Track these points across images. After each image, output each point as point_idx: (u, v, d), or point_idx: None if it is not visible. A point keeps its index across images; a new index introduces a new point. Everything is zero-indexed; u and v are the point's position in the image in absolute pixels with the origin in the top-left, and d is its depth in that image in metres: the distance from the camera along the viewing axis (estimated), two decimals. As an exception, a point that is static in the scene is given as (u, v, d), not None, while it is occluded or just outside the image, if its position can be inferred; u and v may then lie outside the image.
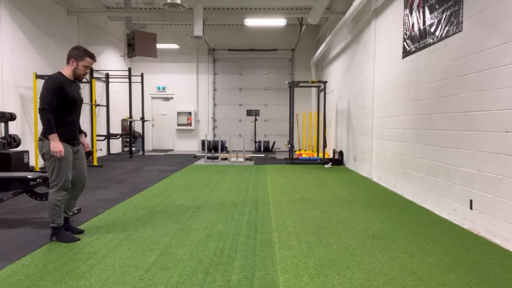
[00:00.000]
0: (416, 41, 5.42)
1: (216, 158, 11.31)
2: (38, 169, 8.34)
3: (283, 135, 15.21)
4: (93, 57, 3.64)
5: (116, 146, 13.87)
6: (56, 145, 3.36)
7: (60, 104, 3.44)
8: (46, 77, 3.49)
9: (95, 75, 11.86)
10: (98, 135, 11.37)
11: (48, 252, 3.22)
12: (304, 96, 15.01)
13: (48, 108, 3.35)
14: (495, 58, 3.63)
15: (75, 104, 3.57)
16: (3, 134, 7.29)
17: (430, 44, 4.99)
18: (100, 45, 12.51)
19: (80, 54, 3.56)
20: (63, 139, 3.46)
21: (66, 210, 3.65)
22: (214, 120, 15.70)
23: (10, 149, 6.91)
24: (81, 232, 3.72)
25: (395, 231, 3.89)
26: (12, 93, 8.05)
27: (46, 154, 3.43)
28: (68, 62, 3.59)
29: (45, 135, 3.42)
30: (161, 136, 15.70)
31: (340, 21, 8.82)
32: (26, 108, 8.49)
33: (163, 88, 15.46)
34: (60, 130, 3.45)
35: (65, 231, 3.58)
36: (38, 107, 3.39)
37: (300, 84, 10.87)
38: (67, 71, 3.57)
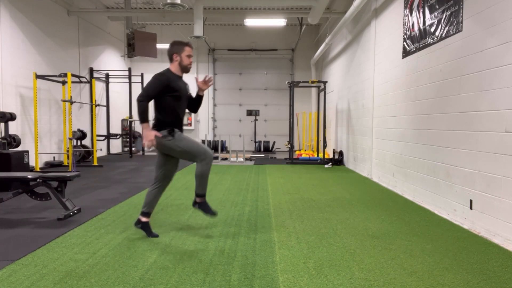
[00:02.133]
0: (416, 41, 5.42)
1: (216, 158, 11.31)
2: (38, 169, 8.34)
3: (283, 135, 15.22)
4: (190, 45, 3.71)
5: (116, 146, 13.88)
6: (148, 134, 3.42)
7: (169, 98, 3.52)
8: (154, 75, 3.61)
9: (95, 75, 11.87)
10: (98, 135, 11.37)
11: (48, 252, 3.22)
12: (304, 96, 15.02)
13: (144, 99, 3.41)
14: (495, 58, 3.63)
15: (182, 98, 3.66)
16: (3, 134, 7.29)
17: (430, 44, 5.00)
18: (100, 45, 12.51)
19: (179, 46, 3.63)
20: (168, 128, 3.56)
21: (149, 205, 3.69)
22: (214, 120, 15.70)
23: (10, 149, 6.91)
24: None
25: (395, 231, 3.89)
26: (12, 93, 8.05)
27: (176, 146, 3.50)
28: (171, 60, 3.65)
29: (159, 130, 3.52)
30: (161, 136, 15.68)
31: (340, 21, 8.82)
32: (26, 108, 8.49)
33: (163, 88, 15.44)
34: (169, 122, 3.54)
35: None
36: (140, 92, 3.49)
37: (300, 84, 10.87)
38: (174, 68, 3.66)
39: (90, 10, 11.08)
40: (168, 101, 3.56)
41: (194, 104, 3.93)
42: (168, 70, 3.66)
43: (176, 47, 3.65)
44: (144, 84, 13.50)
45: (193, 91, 3.91)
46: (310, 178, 7.68)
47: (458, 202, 4.25)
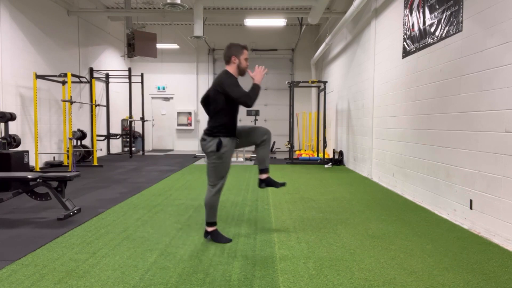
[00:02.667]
0: (416, 41, 5.42)
1: (216, 158, 11.29)
2: (38, 169, 8.35)
3: (283, 135, 15.22)
4: (247, 48, 3.66)
5: (116, 146, 13.87)
6: (258, 74, 3.44)
7: (230, 101, 3.46)
8: (221, 76, 3.48)
9: (95, 75, 11.88)
10: (98, 135, 11.37)
11: (48, 252, 3.22)
12: (304, 96, 15.02)
13: (245, 95, 3.38)
14: (495, 58, 3.63)
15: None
16: (3, 134, 7.29)
17: (430, 44, 4.99)
18: (100, 45, 12.51)
19: (238, 49, 3.56)
20: (228, 134, 3.49)
21: (261, 162, 3.66)
22: (214, 120, 15.68)
23: (10, 149, 6.91)
24: (283, 184, 3.69)
25: (395, 231, 3.89)
26: (12, 93, 8.05)
27: (212, 153, 3.44)
28: (229, 62, 3.55)
29: (219, 130, 3.45)
30: (161, 136, 15.70)
31: (340, 21, 8.82)
32: (26, 108, 8.49)
33: (163, 88, 15.46)
34: (227, 127, 3.48)
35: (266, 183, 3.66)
36: (237, 97, 3.38)
37: (300, 84, 10.86)
38: (232, 70, 3.56)
39: (90, 10, 11.08)
40: (230, 105, 3.50)
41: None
42: (228, 72, 3.55)
43: (235, 49, 3.56)
44: (142, 84, 13.49)
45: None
46: (310, 178, 7.68)
47: (458, 202, 4.25)
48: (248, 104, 3.39)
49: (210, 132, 3.48)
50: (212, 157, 3.45)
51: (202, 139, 3.53)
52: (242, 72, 3.60)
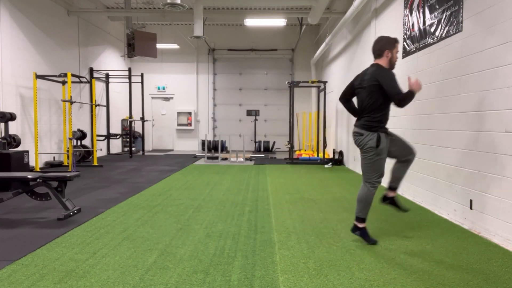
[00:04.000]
0: (416, 41, 5.42)
1: (216, 158, 11.32)
2: (38, 169, 8.34)
3: (283, 135, 15.22)
4: (398, 41, 3.61)
5: (116, 146, 13.88)
6: (416, 84, 3.30)
7: (387, 96, 3.39)
8: (379, 70, 3.41)
9: (95, 75, 11.88)
10: (98, 135, 11.37)
11: (48, 252, 3.22)
12: (304, 96, 15.02)
13: (402, 92, 3.31)
14: (495, 58, 3.63)
15: None
16: (3, 134, 7.29)
17: (430, 44, 4.99)
18: (100, 45, 12.52)
19: (391, 43, 3.50)
20: (385, 130, 3.45)
21: (395, 180, 3.62)
22: (214, 120, 15.70)
23: (10, 149, 6.91)
24: (407, 210, 3.65)
25: (395, 231, 3.89)
26: (12, 93, 8.05)
27: (371, 148, 3.39)
28: (381, 55, 3.50)
29: (370, 126, 3.40)
30: (161, 136, 15.71)
31: (340, 21, 8.82)
32: (26, 108, 8.49)
33: (163, 88, 15.47)
34: (384, 122, 3.45)
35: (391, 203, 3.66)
36: (394, 93, 3.29)
37: (300, 84, 10.87)
38: (384, 63, 3.50)
39: (90, 10, 11.08)
40: (388, 100, 3.44)
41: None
42: (384, 66, 3.46)
43: (389, 43, 3.50)
44: (142, 84, 13.49)
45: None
46: (310, 178, 7.68)
47: (458, 202, 4.25)
48: (400, 104, 3.30)
49: (368, 126, 3.42)
50: (370, 153, 3.40)
51: (358, 134, 3.46)
52: (393, 66, 3.53)
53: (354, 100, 3.76)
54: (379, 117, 3.43)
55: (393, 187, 3.64)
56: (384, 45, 3.50)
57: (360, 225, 3.53)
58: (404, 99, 3.28)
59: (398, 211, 3.61)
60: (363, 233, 3.52)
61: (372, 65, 3.53)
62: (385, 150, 3.42)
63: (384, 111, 3.45)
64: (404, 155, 3.55)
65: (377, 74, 3.39)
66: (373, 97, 3.41)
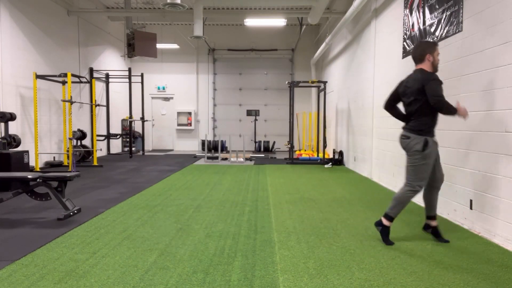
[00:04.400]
0: (416, 41, 5.42)
1: (216, 158, 11.32)
2: (38, 169, 8.35)
3: (283, 135, 15.23)
4: (437, 44, 3.60)
5: (116, 146, 13.88)
6: (463, 110, 3.30)
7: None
8: (425, 75, 3.39)
9: (95, 75, 11.88)
10: (98, 135, 11.37)
11: (48, 252, 3.22)
12: (304, 96, 15.02)
13: (443, 97, 3.30)
14: (495, 58, 3.63)
15: None
16: (3, 134, 7.29)
17: (430, 44, 4.99)
18: (100, 45, 12.52)
19: (431, 46, 3.50)
20: (433, 135, 3.45)
21: (431, 208, 3.65)
22: (214, 120, 15.70)
23: (10, 149, 6.91)
24: (447, 241, 3.61)
25: (395, 231, 3.89)
26: (12, 93, 8.05)
27: (416, 152, 3.39)
28: (423, 60, 3.50)
29: (422, 129, 3.40)
30: (161, 136, 15.71)
31: (340, 21, 8.82)
32: (26, 108, 8.49)
33: (163, 88, 15.47)
34: (432, 127, 3.44)
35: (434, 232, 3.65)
36: (432, 94, 3.28)
37: (300, 84, 10.87)
38: (427, 67, 3.50)
39: (90, 10, 11.08)
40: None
41: None
42: (425, 70, 3.46)
43: (429, 47, 3.49)
44: (142, 84, 13.48)
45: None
46: (310, 178, 7.68)
47: (458, 202, 4.25)
48: (439, 108, 3.30)
49: (415, 130, 3.43)
50: (415, 157, 3.41)
51: (405, 137, 3.48)
52: (436, 68, 3.52)
53: (400, 106, 3.75)
54: (427, 120, 3.43)
55: (431, 215, 3.66)
56: (424, 50, 3.50)
57: (386, 223, 3.53)
58: (440, 102, 3.28)
59: (437, 240, 3.62)
60: (383, 231, 3.53)
61: (415, 71, 3.52)
62: (432, 155, 3.42)
63: (431, 115, 3.44)
64: (438, 178, 3.58)
65: (422, 78, 3.39)
66: (419, 102, 3.41)
